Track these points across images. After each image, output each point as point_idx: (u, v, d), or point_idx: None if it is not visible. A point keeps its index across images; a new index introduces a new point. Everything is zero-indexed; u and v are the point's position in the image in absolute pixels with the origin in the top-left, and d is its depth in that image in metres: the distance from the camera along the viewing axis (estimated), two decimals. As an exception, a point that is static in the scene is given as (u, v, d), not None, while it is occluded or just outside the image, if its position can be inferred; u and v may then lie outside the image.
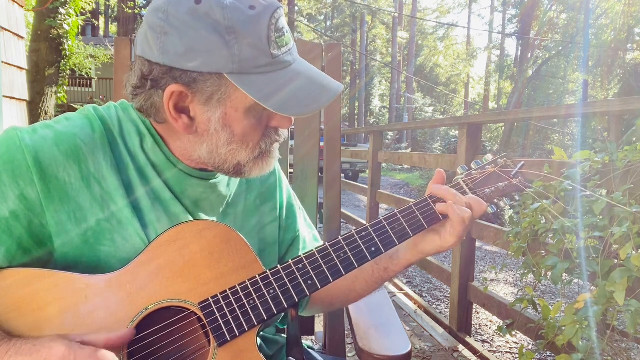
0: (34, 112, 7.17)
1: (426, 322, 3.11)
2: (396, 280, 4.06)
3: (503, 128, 15.91)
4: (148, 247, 0.74)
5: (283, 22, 0.72)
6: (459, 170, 0.93)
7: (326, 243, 0.82)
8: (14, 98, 3.32)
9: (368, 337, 1.02)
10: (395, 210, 0.85)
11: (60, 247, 0.72)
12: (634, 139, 1.57)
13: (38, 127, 0.73)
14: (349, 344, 2.11)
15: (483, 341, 3.09)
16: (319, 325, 1.78)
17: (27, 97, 3.63)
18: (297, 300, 0.77)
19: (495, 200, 0.90)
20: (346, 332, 1.49)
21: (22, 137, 0.70)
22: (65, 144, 0.72)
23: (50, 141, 0.71)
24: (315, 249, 0.81)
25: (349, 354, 2.04)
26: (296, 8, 30.12)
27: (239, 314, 0.74)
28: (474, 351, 2.63)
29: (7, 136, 0.71)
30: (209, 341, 0.75)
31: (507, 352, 2.94)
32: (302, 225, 1.05)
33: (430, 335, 2.90)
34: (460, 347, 2.70)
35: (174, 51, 0.68)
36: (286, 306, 0.76)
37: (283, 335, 1.05)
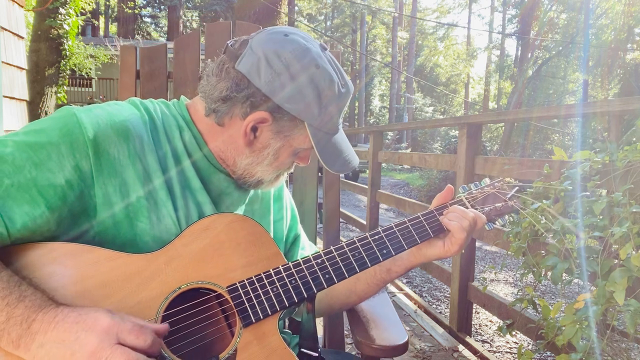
0: (34, 112, 7.17)
1: (426, 322, 3.11)
2: (396, 280, 4.06)
3: (503, 128, 15.91)
4: (183, 232, 0.81)
5: None
6: (460, 190, 1.04)
7: (342, 243, 0.90)
8: (14, 98, 3.32)
9: (367, 329, 1.05)
10: (405, 220, 0.95)
11: (103, 218, 0.78)
12: (634, 139, 1.57)
13: (92, 108, 0.81)
14: (349, 343, 2.11)
15: (483, 341, 3.09)
16: (318, 324, 1.78)
17: (27, 97, 3.63)
18: (315, 291, 0.84)
19: (493, 218, 1.01)
20: (346, 332, 1.49)
21: (79, 115, 0.77)
22: (117, 124, 0.79)
23: (105, 120, 0.79)
24: (333, 247, 0.90)
25: (348, 354, 2.03)
26: (296, 8, 30.14)
27: (264, 299, 0.81)
28: (474, 351, 2.63)
29: (65, 113, 0.78)
30: (228, 324, 0.83)
31: (507, 352, 2.94)
32: (300, 227, 1.15)
33: (430, 335, 2.90)
34: (460, 347, 2.70)
35: (280, 91, 0.81)
36: (306, 296, 0.83)
37: (287, 331, 1.08)
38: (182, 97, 0.96)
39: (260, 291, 0.81)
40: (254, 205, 1.00)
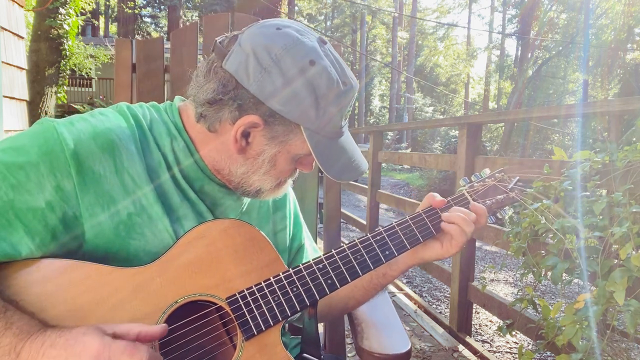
0: (34, 112, 7.17)
1: (426, 322, 3.11)
2: (396, 280, 4.06)
3: (503, 128, 15.91)
4: (177, 242, 0.77)
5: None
6: (461, 182, 1.01)
7: (344, 245, 0.86)
8: (14, 98, 3.31)
9: (368, 336, 1.03)
10: (407, 217, 0.91)
11: (92, 238, 0.73)
12: (634, 139, 1.57)
13: (74, 120, 0.75)
14: (349, 343, 2.11)
15: (483, 341, 3.09)
16: (319, 325, 1.78)
17: (27, 97, 3.63)
18: (318, 298, 0.81)
19: (495, 211, 0.98)
20: (346, 332, 1.49)
21: (60, 129, 0.72)
22: (101, 137, 0.74)
23: (87, 134, 0.73)
24: (334, 250, 0.85)
25: (349, 354, 2.04)
26: (296, 8, 30.11)
27: (265, 310, 0.78)
28: (474, 351, 2.63)
29: (44, 127, 0.72)
30: (230, 338, 0.79)
31: (507, 352, 2.94)
32: (305, 235, 1.09)
33: (430, 335, 2.90)
34: (460, 347, 2.70)
35: (270, 90, 0.74)
36: (308, 303, 0.80)
37: (292, 336, 1.06)
38: (177, 98, 0.89)
39: (261, 301, 0.78)
40: (251, 214, 0.95)
